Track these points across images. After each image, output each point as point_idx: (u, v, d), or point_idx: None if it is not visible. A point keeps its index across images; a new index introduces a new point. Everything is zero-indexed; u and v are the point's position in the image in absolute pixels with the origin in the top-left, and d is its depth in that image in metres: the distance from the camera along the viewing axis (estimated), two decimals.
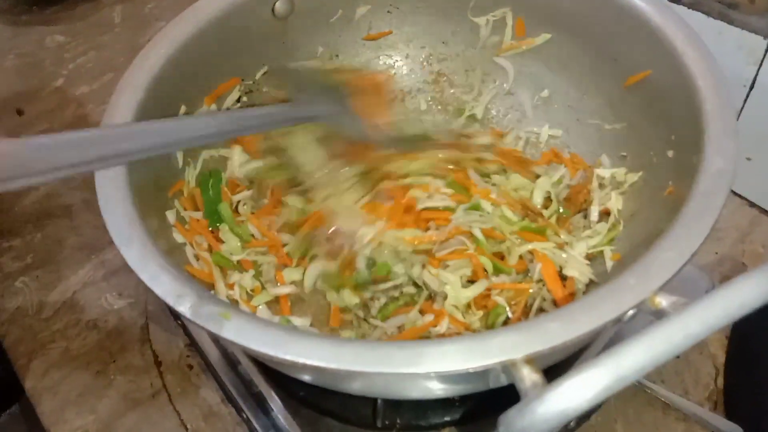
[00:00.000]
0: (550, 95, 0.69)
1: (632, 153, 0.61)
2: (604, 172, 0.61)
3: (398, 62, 0.74)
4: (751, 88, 0.74)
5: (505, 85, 0.72)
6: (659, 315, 0.37)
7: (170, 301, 0.40)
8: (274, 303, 0.58)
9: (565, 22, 0.64)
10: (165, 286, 0.41)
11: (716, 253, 0.75)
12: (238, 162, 0.62)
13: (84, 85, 0.97)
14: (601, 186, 0.61)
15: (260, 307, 0.55)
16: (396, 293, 0.58)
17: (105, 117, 0.52)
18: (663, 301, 0.37)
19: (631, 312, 0.38)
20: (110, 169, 0.46)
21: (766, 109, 0.72)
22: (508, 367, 0.36)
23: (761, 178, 0.76)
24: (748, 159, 0.75)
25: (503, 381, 0.41)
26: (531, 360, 0.36)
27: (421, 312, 0.56)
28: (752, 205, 0.82)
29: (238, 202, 0.63)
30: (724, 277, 0.78)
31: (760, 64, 0.73)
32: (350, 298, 0.56)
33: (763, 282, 0.30)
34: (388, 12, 0.71)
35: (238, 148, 0.63)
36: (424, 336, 0.54)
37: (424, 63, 0.74)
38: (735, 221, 0.77)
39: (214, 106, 0.62)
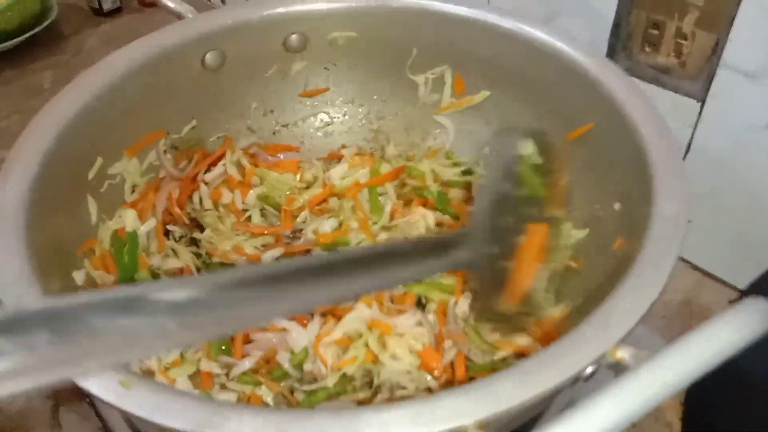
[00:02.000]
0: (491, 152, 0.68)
1: (577, 208, 0.59)
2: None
3: (336, 119, 0.71)
4: (687, 150, 0.75)
5: (446, 144, 0.70)
6: (620, 369, 0.34)
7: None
8: (196, 375, 0.51)
9: (504, 78, 0.63)
10: None
11: (663, 316, 0.74)
12: (132, 226, 0.57)
13: (3, 149, 0.92)
14: None
15: (179, 379, 0.48)
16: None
17: (3, 169, 0.47)
18: (625, 355, 0.34)
19: (590, 368, 0.34)
20: (3, 217, 0.40)
21: (704, 171, 0.73)
22: None
23: (703, 241, 0.76)
24: (689, 221, 0.75)
25: None
26: (483, 426, 0.31)
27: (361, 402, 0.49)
28: (695, 268, 0.81)
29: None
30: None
31: (695, 127, 0.74)
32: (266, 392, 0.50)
33: (745, 321, 0.27)
34: (325, 68, 0.69)
35: (131, 212, 0.58)
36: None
37: (363, 120, 0.72)
38: (680, 284, 0.77)
39: (135, 160, 0.57)
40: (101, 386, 0.33)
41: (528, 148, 0.44)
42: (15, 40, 1.04)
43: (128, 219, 0.56)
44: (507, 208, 0.43)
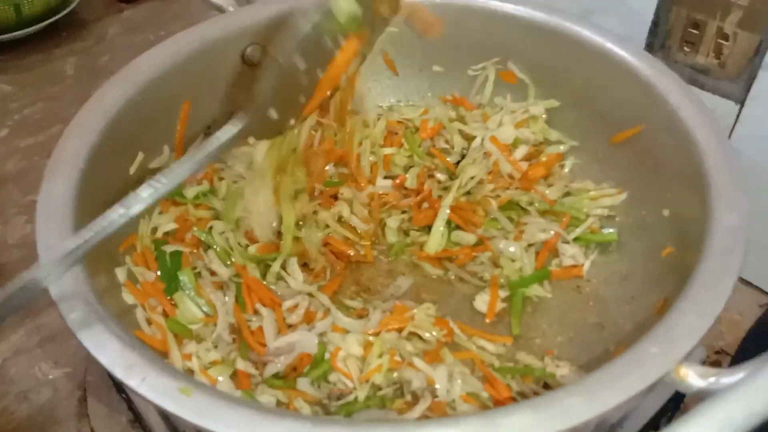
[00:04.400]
0: None
1: (622, 213, 0.58)
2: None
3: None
4: None
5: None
6: (687, 389, 0.33)
7: (119, 373, 0.34)
8: (235, 377, 0.51)
9: (549, 78, 0.62)
10: (112, 354, 0.34)
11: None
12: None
13: (30, 136, 0.92)
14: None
15: (220, 378, 0.48)
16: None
17: (51, 162, 0.46)
18: (690, 372, 0.33)
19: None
20: (51, 219, 0.40)
21: None
22: None
23: None
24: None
25: None
26: None
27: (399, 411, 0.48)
28: None
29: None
30: (707, 347, 0.76)
31: (732, 129, 0.72)
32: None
33: None
34: None
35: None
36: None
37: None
38: None
39: (174, 156, 0.57)
40: (159, 393, 0.33)
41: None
42: (37, 26, 1.03)
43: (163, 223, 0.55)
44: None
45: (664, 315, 0.37)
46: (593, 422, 0.32)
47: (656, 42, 0.75)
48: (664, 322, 0.36)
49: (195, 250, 0.55)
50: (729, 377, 0.30)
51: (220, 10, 0.60)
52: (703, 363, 0.61)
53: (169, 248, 0.54)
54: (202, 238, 0.56)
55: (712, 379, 0.32)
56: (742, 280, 0.80)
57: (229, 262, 0.55)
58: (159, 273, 0.53)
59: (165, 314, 0.51)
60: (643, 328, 0.37)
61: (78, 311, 0.37)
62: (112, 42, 1.11)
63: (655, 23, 0.71)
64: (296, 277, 0.56)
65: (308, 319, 0.53)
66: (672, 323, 0.36)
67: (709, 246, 0.40)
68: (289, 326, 0.52)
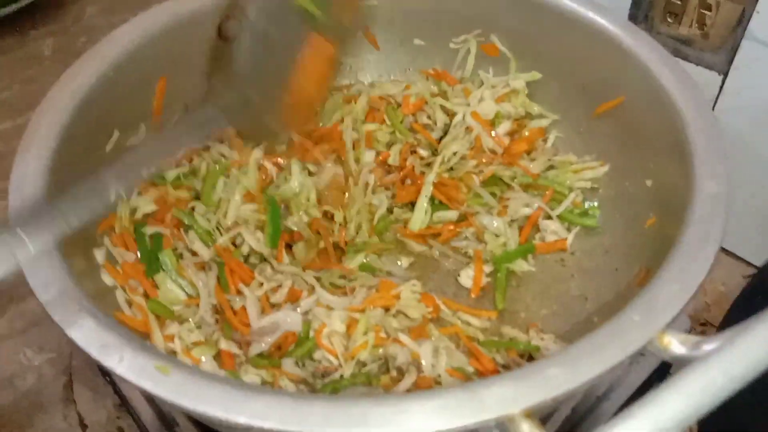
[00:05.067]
0: None
1: (604, 185, 0.58)
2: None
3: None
4: None
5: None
6: (672, 357, 0.33)
7: (94, 352, 0.33)
8: (218, 357, 0.50)
9: (530, 49, 0.61)
10: (88, 333, 0.34)
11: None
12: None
13: (7, 120, 0.91)
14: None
15: (203, 358, 0.47)
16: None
17: (22, 143, 0.45)
18: (673, 340, 0.33)
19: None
20: (24, 199, 0.39)
21: None
22: (504, 423, 0.31)
23: None
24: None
25: None
26: (530, 413, 0.31)
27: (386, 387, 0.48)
28: None
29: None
30: (690, 318, 0.76)
31: (716, 100, 0.72)
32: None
33: None
34: None
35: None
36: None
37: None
38: None
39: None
40: (135, 372, 0.32)
41: None
42: (14, 6, 1.01)
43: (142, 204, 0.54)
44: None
45: (646, 285, 0.36)
46: (576, 392, 0.32)
47: (639, 13, 0.75)
48: (646, 291, 0.36)
49: (176, 231, 0.55)
50: (711, 344, 0.30)
51: None
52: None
53: (149, 230, 0.53)
54: (184, 220, 0.55)
55: (694, 347, 0.32)
56: (727, 252, 0.80)
57: (210, 243, 0.55)
58: (139, 254, 0.52)
59: (146, 295, 0.50)
60: (626, 298, 0.36)
61: (53, 292, 0.36)
62: (90, 22, 1.09)
63: None
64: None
65: (293, 297, 0.52)
66: (654, 292, 0.36)
67: (690, 214, 0.39)
68: (273, 306, 0.51)
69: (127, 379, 0.32)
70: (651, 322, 0.34)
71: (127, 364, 0.33)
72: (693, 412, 0.25)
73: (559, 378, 0.31)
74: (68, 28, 1.07)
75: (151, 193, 0.55)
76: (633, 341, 0.33)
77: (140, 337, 0.44)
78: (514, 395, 0.31)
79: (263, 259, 0.55)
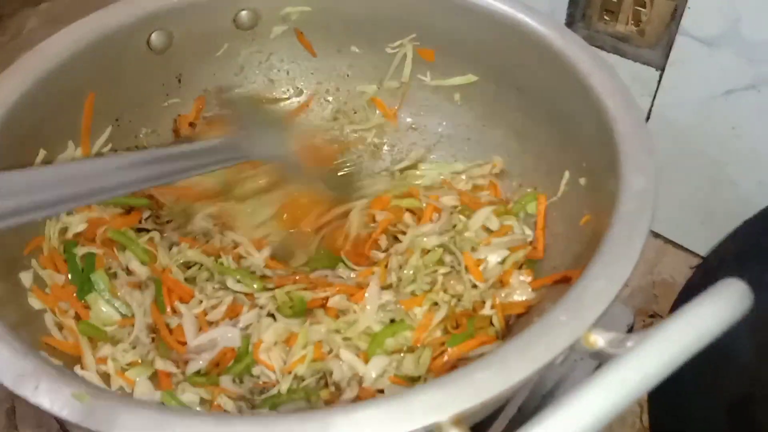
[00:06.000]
0: (453, 129, 0.66)
1: (541, 185, 0.58)
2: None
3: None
4: (647, 119, 0.75)
5: (408, 120, 0.68)
6: (597, 355, 0.33)
7: (8, 382, 0.32)
8: (155, 377, 0.49)
9: (464, 53, 0.61)
10: (2, 364, 0.32)
11: (626, 285, 0.75)
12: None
13: None
14: None
15: (138, 379, 0.46)
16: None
17: None
18: (599, 339, 0.33)
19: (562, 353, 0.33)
20: None
21: (664, 139, 0.73)
22: None
23: (664, 209, 0.76)
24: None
25: None
26: (459, 420, 0.30)
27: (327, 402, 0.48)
28: (656, 235, 0.82)
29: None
30: (639, 310, 0.77)
31: (654, 96, 0.74)
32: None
33: (724, 305, 0.26)
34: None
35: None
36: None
37: (322, 99, 0.69)
38: None
39: (79, 151, 0.54)
40: (50, 399, 0.31)
41: None
42: None
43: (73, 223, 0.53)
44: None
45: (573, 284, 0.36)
46: (505, 395, 0.32)
47: (577, 12, 0.76)
48: (574, 290, 0.36)
49: (109, 251, 0.53)
50: (632, 342, 0.30)
51: None
52: (631, 328, 0.62)
53: (80, 250, 0.51)
54: (120, 240, 0.54)
55: (619, 344, 0.32)
56: (673, 243, 0.82)
57: (146, 262, 0.53)
58: (69, 276, 0.51)
59: (77, 317, 0.49)
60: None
61: None
62: (30, 36, 1.06)
63: None
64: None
65: (233, 313, 0.51)
66: (581, 290, 0.36)
67: (618, 210, 0.40)
68: (211, 323, 0.50)
69: (43, 408, 0.31)
70: (577, 321, 0.34)
71: (43, 392, 0.31)
72: (611, 409, 0.25)
73: (487, 381, 0.31)
74: (6, 43, 1.04)
75: (83, 213, 0.54)
76: (559, 341, 0.33)
77: (69, 362, 0.42)
78: (442, 402, 0.30)
79: (211, 275, 0.54)
